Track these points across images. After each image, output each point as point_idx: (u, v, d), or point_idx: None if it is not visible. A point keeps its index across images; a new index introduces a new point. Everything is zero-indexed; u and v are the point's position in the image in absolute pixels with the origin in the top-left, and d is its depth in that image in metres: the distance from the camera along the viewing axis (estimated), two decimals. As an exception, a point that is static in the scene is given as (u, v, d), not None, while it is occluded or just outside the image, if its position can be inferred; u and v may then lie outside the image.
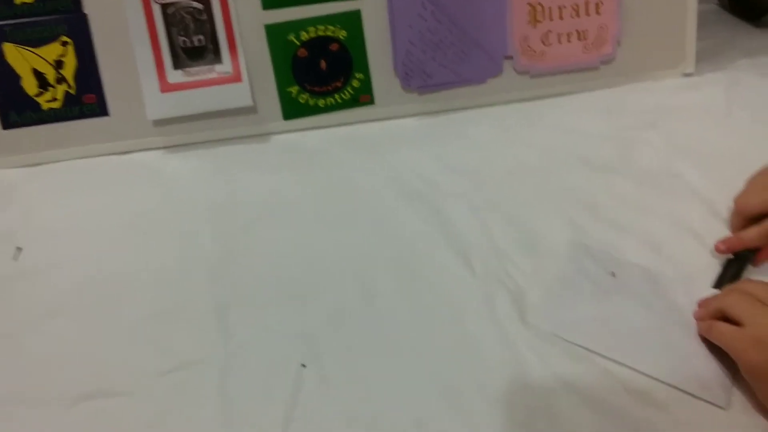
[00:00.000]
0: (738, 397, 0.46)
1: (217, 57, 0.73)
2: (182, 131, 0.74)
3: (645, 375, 0.47)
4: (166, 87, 0.73)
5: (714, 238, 0.57)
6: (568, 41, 0.75)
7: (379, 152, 0.71)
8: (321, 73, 0.74)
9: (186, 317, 0.55)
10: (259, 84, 0.73)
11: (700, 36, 0.76)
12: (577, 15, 0.74)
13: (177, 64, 0.73)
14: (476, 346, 0.51)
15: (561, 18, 0.74)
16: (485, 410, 0.47)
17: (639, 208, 0.60)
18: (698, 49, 0.76)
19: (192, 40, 0.72)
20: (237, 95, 0.73)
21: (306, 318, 0.54)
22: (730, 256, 0.55)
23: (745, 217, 0.55)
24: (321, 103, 0.76)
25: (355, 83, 0.75)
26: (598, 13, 0.74)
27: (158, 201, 0.67)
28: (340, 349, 0.52)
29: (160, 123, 0.74)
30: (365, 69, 0.75)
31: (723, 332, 0.46)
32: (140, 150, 0.74)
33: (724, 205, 0.60)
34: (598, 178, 0.64)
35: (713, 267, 0.55)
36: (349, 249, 0.60)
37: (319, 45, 0.73)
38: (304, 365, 0.51)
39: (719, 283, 0.54)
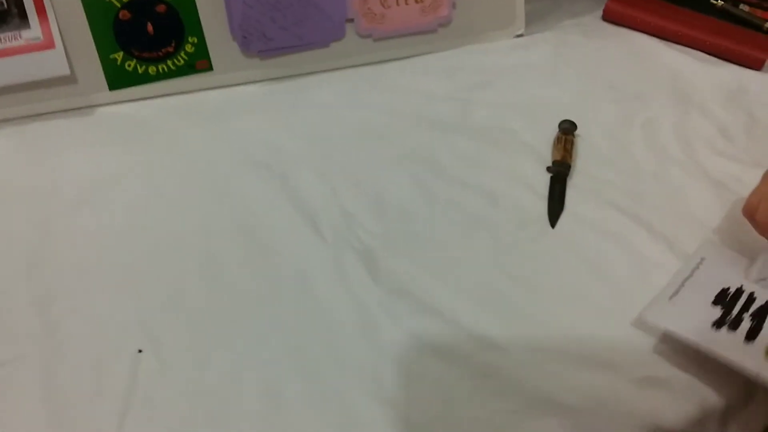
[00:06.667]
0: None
1: (23, 21, 0.64)
2: (-12, 107, 0.65)
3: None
4: (-37, 57, 0.63)
5: (543, 185, 0.60)
6: (406, 3, 0.75)
7: (220, 121, 0.68)
8: (149, 38, 0.68)
9: None
10: (76, 51, 0.66)
11: (528, -1, 0.79)
12: (414, -23, 0.75)
13: (-25, 32, 0.64)
14: (326, 309, 0.50)
15: (398, -21, 0.75)
16: (336, 372, 0.46)
17: (476, 164, 0.63)
18: (527, 11, 0.80)
19: (-10, 3, 0.63)
20: (50, 64, 0.65)
21: (141, 302, 0.50)
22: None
23: None
24: (152, 70, 0.70)
25: (189, 48, 0.70)
26: (433, -26, 0.75)
27: (-39, 187, 0.59)
28: (181, 329, 0.49)
29: (-41, 99, 0.65)
30: (199, 32, 0.70)
31: None
32: (-63, 131, 0.64)
33: (550, 154, 0.64)
34: (439, 137, 0.66)
35: (545, 212, 0.58)
36: (189, 225, 0.57)
37: (143, 6, 0.67)
38: (140, 350, 0.47)
39: (551, 205, 0.57)
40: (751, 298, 0.48)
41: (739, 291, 0.49)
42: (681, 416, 0.43)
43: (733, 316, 0.46)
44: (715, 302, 0.47)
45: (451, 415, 0.44)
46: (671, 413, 0.44)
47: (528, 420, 0.43)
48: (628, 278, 0.52)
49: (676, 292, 0.48)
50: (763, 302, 0.48)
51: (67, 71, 0.66)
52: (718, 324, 0.46)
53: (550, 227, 0.57)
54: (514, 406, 0.44)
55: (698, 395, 0.44)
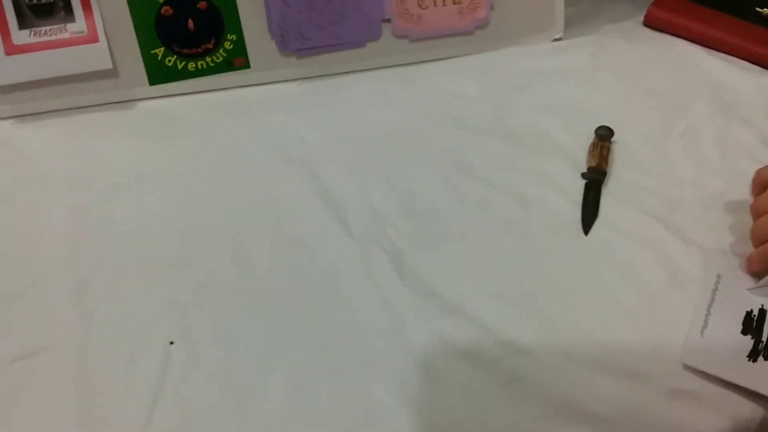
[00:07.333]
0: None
1: (69, 15, 0.66)
2: (33, 98, 0.67)
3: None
4: (11, 49, 0.65)
5: (577, 191, 0.59)
6: (444, 4, 0.75)
7: (255, 118, 0.69)
8: (189, 34, 0.70)
9: (37, 299, 0.50)
10: (119, 45, 0.68)
11: (568, 2, 0.78)
12: (452, -22, 0.75)
13: (23, 24, 0.66)
14: (353, 306, 0.50)
15: (436, -19, 0.75)
16: (361, 370, 0.46)
17: (509, 167, 0.62)
18: (567, 15, 0.79)
19: (38, -4, 0.65)
20: (94, 57, 0.67)
21: (174, 291, 0.51)
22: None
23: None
24: (191, 66, 0.71)
25: (228, 45, 0.71)
26: (471, -24, 0.75)
27: (4, 175, 0.61)
28: (211, 320, 0.49)
29: (6, 90, 0.66)
30: (238, 30, 0.71)
31: None
32: (-16, 120, 0.67)
33: (585, 160, 0.63)
34: (471, 138, 0.65)
35: (577, 219, 0.57)
36: (221, 217, 0.57)
37: (185, 3, 0.68)
38: (172, 342, 0.48)
39: (585, 212, 0.57)
40: None
41: (763, 312, 0.49)
42: (713, 431, 0.42)
43: (765, 343, 0.47)
44: (744, 332, 0.48)
45: (476, 418, 0.44)
46: (703, 427, 0.42)
47: (556, 427, 0.43)
48: (662, 288, 0.51)
49: (705, 325, 0.49)
50: None
51: (109, 65, 0.67)
52: (752, 355, 0.46)
53: (583, 234, 0.56)
54: (542, 412, 0.43)
55: (732, 409, 0.43)
